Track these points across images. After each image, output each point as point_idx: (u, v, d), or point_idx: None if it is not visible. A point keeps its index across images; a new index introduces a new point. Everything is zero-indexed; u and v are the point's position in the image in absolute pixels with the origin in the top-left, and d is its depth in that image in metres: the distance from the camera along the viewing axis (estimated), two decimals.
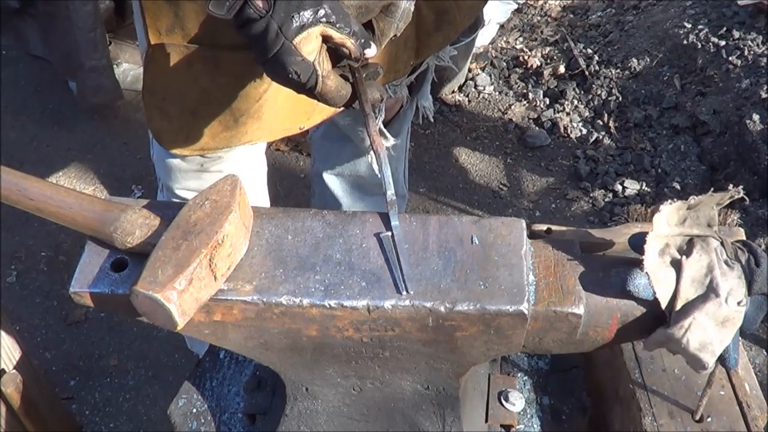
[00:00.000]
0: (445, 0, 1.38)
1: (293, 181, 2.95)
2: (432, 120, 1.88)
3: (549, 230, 1.03)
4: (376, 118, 1.55)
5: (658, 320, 0.89)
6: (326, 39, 0.95)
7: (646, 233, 0.88)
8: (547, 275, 0.91)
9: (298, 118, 1.35)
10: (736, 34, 3.17)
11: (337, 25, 0.94)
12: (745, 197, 0.91)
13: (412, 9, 1.05)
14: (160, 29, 1.19)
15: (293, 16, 0.92)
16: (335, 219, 0.95)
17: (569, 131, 3.30)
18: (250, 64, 1.21)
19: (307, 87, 0.96)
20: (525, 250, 0.91)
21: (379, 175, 1.01)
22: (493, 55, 3.74)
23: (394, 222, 0.93)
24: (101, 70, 2.85)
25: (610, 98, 3.35)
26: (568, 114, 3.37)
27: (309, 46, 0.93)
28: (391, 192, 0.96)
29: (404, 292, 0.86)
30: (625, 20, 3.67)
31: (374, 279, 0.88)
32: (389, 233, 0.92)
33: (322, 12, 0.93)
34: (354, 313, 0.87)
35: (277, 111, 1.29)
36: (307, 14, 0.93)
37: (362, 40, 0.97)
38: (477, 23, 3.52)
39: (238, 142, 1.32)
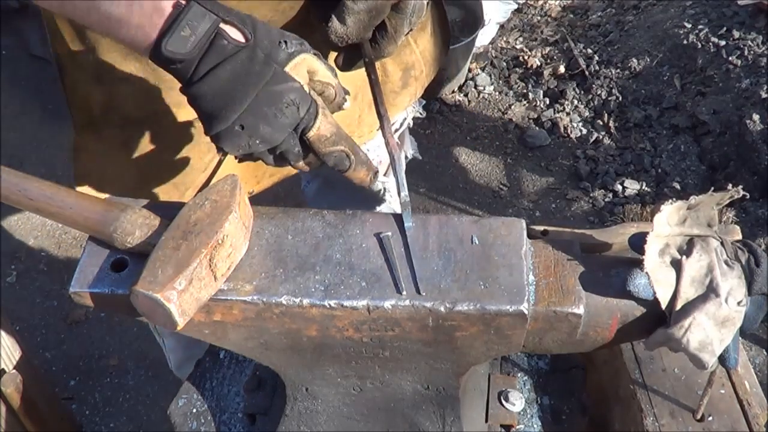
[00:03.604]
0: (410, 55, 1.30)
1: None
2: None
3: (546, 232, 1.03)
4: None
5: (658, 320, 0.89)
6: (311, 76, 0.87)
7: (646, 233, 0.88)
8: (547, 275, 0.91)
9: (247, 183, 1.26)
10: (736, 34, 3.17)
11: (323, 61, 0.87)
12: (747, 194, 0.91)
13: (426, 3, 1.00)
14: (91, 112, 1.11)
15: (280, 43, 0.83)
16: (335, 219, 0.95)
17: (569, 131, 3.30)
18: (193, 135, 1.13)
19: (303, 124, 0.84)
20: (525, 250, 0.91)
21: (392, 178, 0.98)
22: (493, 55, 3.74)
23: (408, 223, 0.93)
24: None
25: (610, 98, 3.35)
26: (568, 114, 3.37)
27: (299, 78, 0.84)
28: (404, 194, 0.94)
29: (417, 294, 0.86)
30: (625, 20, 3.67)
31: (374, 279, 0.88)
32: (389, 233, 0.92)
33: (306, 43, 0.86)
34: (354, 313, 0.87)
35: None
36: (294, 42, 0.85)
37: (341, 86, 0.90)
38: (477, 23, 3.52)
39: None
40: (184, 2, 0.80)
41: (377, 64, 1.04)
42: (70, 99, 1.10)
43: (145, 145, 1.13)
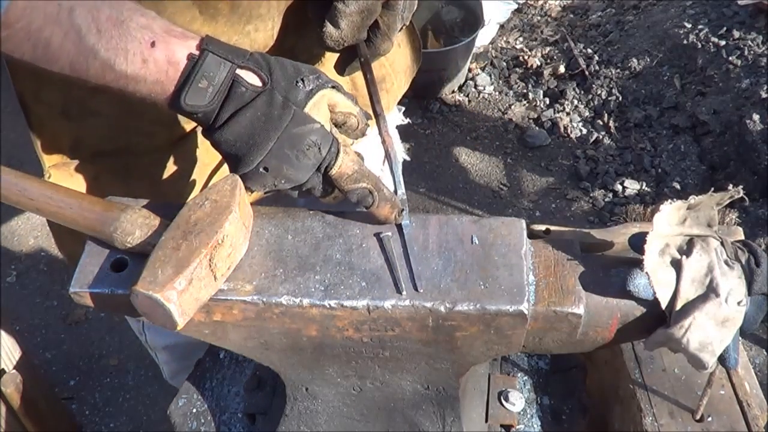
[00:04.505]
0: (380, 69, 1.28)
1: None
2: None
3: (548, 231, 1.03)
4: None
5: (658, 320, 0.89)
6: (331, 109, 0.86)
7: (647, 233, 0.88)
8: (547, 275, 0.91)
9: None
10: (736, 34, 3.18)
11: (342, 91, 0.86)
12: (745, 197, 0.91)
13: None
14: (60, 149, 1.08)
15: (297, 83, 0.82)
16: (335, 219, 0.95)
17: (569, 131, 3.30)
18: (166, 163, 1.12)
19: (325, 163, 0.83)
20: (525, 250, 0.91)
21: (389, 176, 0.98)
22: (493, 55, 3.74)
23: (405, 221, 0.93)
24: None
25: (610, 98, 3.35)
26: (568, 114, 3.37)
27: (320, 115, 0.84)
28: (402, 191, 0.95)
29: (415, 291, 0.86)
30: (625, 20, 3.67)
31: (374, 279, 0.88)
32: (389, 233, 0.92)
33: (324, 76, 0.85)
34: (354, 313, 0.87)
35: None
36: (311, 78, 0.83)
37: (363, 111, 0.90)
38: (477, 23, 3.52)
39: None
40: (198, 52, 0.79)
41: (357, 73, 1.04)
42: (37, 136, 1.07)
43: (117, 177, 1.12)
